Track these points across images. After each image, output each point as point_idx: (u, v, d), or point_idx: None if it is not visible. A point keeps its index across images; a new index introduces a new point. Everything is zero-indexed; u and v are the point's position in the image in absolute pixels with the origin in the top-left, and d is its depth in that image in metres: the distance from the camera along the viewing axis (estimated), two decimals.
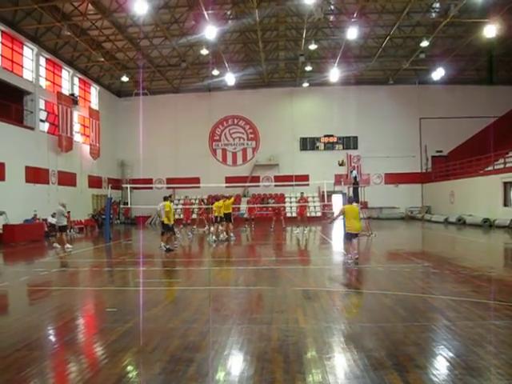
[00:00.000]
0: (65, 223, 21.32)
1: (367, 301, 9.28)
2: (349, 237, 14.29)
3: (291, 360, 5.78)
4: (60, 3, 26.94)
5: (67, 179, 33.83)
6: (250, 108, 43.89)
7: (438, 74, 37.57)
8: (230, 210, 23.22)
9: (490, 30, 27.95)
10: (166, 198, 19.56)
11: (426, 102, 41.58)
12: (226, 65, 36.94)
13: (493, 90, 39.48)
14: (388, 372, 5.29)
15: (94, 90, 40.62)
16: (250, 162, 44.26)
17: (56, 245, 20.86)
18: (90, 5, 26.97)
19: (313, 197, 41.23)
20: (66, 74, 35.19)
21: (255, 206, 36.15)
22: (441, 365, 5.58)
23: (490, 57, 35.90)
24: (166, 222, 18.63)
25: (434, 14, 30.50)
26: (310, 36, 32.55)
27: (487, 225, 28.61)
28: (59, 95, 32.63)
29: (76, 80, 36.75)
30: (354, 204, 15.22)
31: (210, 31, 28.09)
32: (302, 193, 29.52)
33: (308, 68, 37.48)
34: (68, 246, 20.22)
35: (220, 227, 23.25)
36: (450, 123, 40.72)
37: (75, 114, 35.56)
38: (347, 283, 11.74)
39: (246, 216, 34.76)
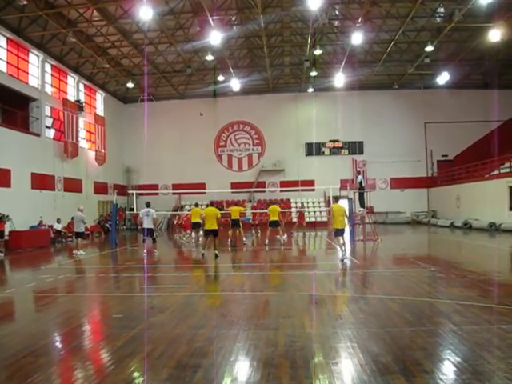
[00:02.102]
0: (82, 230, 21.23)
1: (374, 306, 9.24)
2: (338, 233, 16.21)
3: (298, 365, 5.77)
4: (65, 10, 27.02)
5: (73, 185, 33.91)
6: (255, 113, 43.89)
7: (443, 78, 37.47)
8: (238, 217, 23.25)
9: (495, 35, 27.90)
10: (212, 204, 19.42)
11: (431, 107, 41.52)
12: (231, 70, 36.99)
13: (498, 94, 39.34)
14: (395, 377, 5.27)
15: (100, 97, 40.78)
16: (255, 167, 44.28)
17: (81, 252, 20.60)
18: (95, 11, 27.05)
19: (318, 202, 41.29)
20: (71, 80, 35.33)
21: (258, 211, 36.08)
22: (448, 369, 5.56)
23: (495, 61, 35.85)
24: (213, 227, 17.50)
25: (438, 19, 30.47)
26: (314, 41, 32.51)
27: (493, 229, 28.52)
28: (65, 102, 32.75)
29: (81, 86, 36.88)
30: (339, 202, 17.26)
31: (215, 37, 28.11)
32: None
33: (313, 73, 37.47)
34: (77, 252, 20.28)
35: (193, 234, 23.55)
36: (456, 127, 40.61)
37: (81, 121, 35.67)
38: (354, 288, 11.74)
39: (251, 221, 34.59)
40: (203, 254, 17.67)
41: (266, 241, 22.39)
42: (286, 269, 15.22)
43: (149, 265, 16.43)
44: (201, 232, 23.96)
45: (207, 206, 22.46)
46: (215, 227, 17.51)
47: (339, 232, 16.28)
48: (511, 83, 40.09)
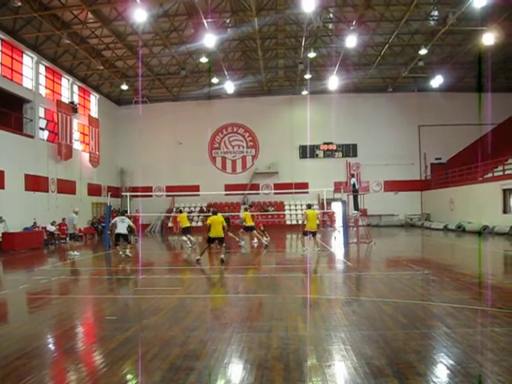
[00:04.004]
0: (71, 231, 21.29)
1: (367, 308, 9.23)
2: (307, 234, 19.44)
3: (291, 368, 5.76)
4: (60, 11, 26.95)
5: (67, 187, 33.83)
6: (249, 116, 43.93)
7: (437, 81, 37.62)
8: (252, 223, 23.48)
9: (489, 38, 28.02)
10: (215, 213, 18.57)
11: (424, 110, 41.68)
12: (226, 73, 37.00)
13: (492, 97, 39.45)
14: (388, 380, 5.27)
15: (94, 98, 40.74)
16: (249, 169, 44.26)
17: (76, 253, 20.77)
18: (89, 13, 27.04)
19: (313, 204, 41.32)
20: (65, 82, 35.28)
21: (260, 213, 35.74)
22: (441, 372, 5.56)
23: (488, 64, 35.96)
24: (220, 235, 17.17)
25: (432, 22, 30.63)
26: (309, 44, 32.59)
27: (487, 232, 28.58)
28: (59, 103, 32.68)
29: (75, 88, 36.83)
30: (312, 208, 20.92)
31: (210, 39, 28.10)
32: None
33: (307, 76, 37.49)
34: (71, 253, 20.31)
35: (184, 237, 23.94)
36: (449, 130, 40.78)
37: (75, 122, 35.62)
38: (347, 290, 11.72)
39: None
40: (198, 260, 17.15)
41: (242, 242, 23.69)
42: (279, 271, 15.19)
43: (142, 267, 16.41)
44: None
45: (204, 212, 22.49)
46: (221, 235, 17.16)
47: (309, 233, 19.33)
48: (505, 86, 40.35)
